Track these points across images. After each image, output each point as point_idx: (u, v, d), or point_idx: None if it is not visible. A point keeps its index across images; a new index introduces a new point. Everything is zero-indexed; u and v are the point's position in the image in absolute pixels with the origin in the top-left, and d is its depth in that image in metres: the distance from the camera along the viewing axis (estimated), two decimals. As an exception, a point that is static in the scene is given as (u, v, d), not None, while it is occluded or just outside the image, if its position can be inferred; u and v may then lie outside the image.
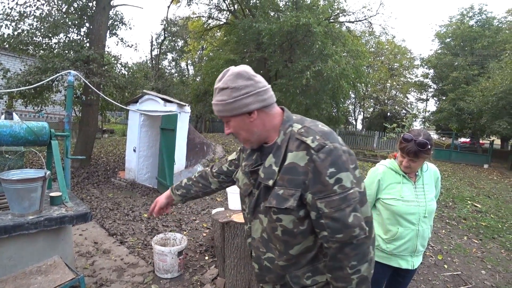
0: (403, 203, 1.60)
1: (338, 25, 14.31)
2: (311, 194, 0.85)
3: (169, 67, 23.91)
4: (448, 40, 20.50)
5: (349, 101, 22.71)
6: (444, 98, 19.58)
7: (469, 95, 15.38)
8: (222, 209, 3.05)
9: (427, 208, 1.62)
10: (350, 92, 15.68)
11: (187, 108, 5.86)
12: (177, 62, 23.85)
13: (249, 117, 0.91)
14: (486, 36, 17.63)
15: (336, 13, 14.15)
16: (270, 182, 0.91)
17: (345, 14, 14.44)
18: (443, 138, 21.21)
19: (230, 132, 0.98)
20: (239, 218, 2.62)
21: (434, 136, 22.88)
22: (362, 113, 27.68)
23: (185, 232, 3.79)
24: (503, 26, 18.41)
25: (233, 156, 1.28)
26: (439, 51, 20.92)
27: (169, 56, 23.42)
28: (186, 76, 23.40)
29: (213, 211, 3.18)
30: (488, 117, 13.57)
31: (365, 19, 15.09)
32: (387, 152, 15.71)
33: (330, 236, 0.85)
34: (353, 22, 15.35)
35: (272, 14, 13.24)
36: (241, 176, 1.08)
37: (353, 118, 26.89)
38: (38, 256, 1.95)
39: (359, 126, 26.96)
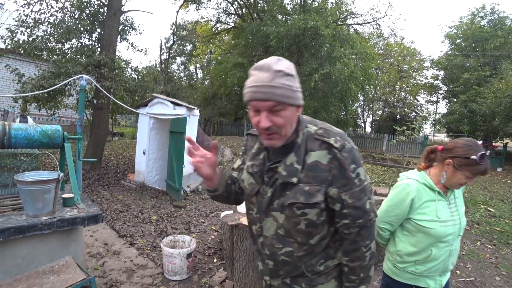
0: (441, 225, 1.41)
1: (346, 28, 14.25)
2: (336, 188, 0.94)
3: (178, 71, 24.19)
4: (458, 41, 20.12)
5: (358, 103, 22.51)
6: (455, 100, 19.17)
7: (481, 97, 15.01)
8: (231, 212, 3.06)
9: (461, 225, 1.47)
10: (359, 95, 15.55)
11: (196, 111, 5.91)
12: (186, 65, 24.12)
13: (297, 110, 0.96)
14: (498, 37, 17.20)
15: (344, 16, 14.11)
16: (294, 180, 0.96)
17: (353, 16, 14.40)
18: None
19: (273, 125, 0.90)
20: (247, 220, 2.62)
21: (445, 139, 22.46)
22: (371, 116, 27.39)
23: (193, 235, 3.81)
24: None
25: (238, 162, 1.25)
26: (449, 52, 20.55)
27: (178, 60, 23.72)
28: (195, 79, 23.62)
29: (222, 214, 3.18)
30: (501, 119, 13.24)
31: (373, 21, 15.00)
32: (396, 155, 15.50)
33: (352, 222, 0.97)
34: (361, 24, 15.27)
35: (279, 17, 13.28)
36: (246, 176, 1.10)
37: (362, 120, 26.63)
38: (51, 256, 1.99)
39: (368, 129, 26.70)
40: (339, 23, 13.70)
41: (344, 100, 13.25)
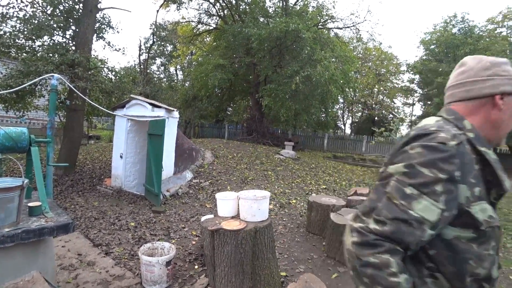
0: None
1: (327, 31, 14.51)
2: None
3: (158, 72, 23.72)
4: (432, 46, 21.16)
5: (338, 106, 22.98)
6: (429, 102, 20.12)
7: None
8: (212, 216, 2.97)
9: None
10: (339, 97, 15.86)
11: (176, 113, 5.76)
12: (166, 67, 23.68)
13: None
14: (468, 44, 18.26)
15: (325, 20, 14.37)
16: None
17: (333, 20, 14.71)
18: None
19: None
20: (228, 225, 2.54)
21: (421, 140, 23.31)
22: (350, 118, 28.04)
23: (173, 241, 3.68)
24: (484, 34, 19.18)
25: (435, 214, 0.70)
26: (424, 57, 21.56)
27: (158, 60, 23.25)
28: (175, 81, 23.23)
29: (202, 218, 3.09)
30: (471, 120, 13.97)
31: (353, 25, 15.39)
32: (375, 156, 15.91)
33: None
34: (341, 28, 15.62)
35: (261, 20, 13.32)
36: (489, 208, 0.79)
37: (342, 122, 27.20)
38: (15, 271, 1.82)
39: (348, 131, 27.27)
40: (320, 26, 13.93)
41: (324, 102, 13.47)
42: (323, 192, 6.50)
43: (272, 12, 13.73)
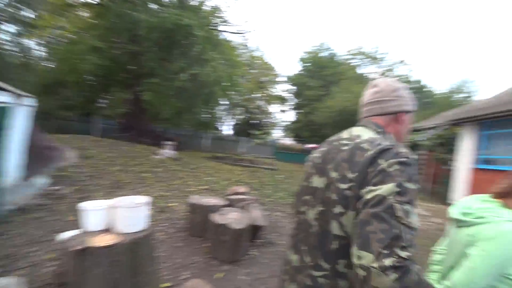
0: None
1: (218, 33, 14.76)
2: None
3: (10, 44, 18.36)
4: (307, 64, 25.68)
5: (221, 107, 23.74)
6: (301, 111, 24.16)
7: (318, 110, 19.48)
8: (77, 231, 2.49)
9: None
10: (223, 99, 16.37)
11: (30, 101, 4.60)
12: (21, 37, 18.58)
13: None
14: (331, 67, 23.37)
15: (218, 21, 14.56)
16: None
17: (226, 24, 15.07)
18: (298, 144, 25.51)
19: None
20: (99, 241, 2.19)
21: (292, 142, 27.08)
22: (232, 120, 29.38)
23: (22, 271, 2.86)
24: (343, 61, 24.82)
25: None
26: (301, 72, 25.84)
27: (10, 28, 17.99)
28: (34, 58, 18.60)
29: (63, 235, 2.58)
30: (329, 128, 17.52)
31: (243, 32, 16.21)
32: (253, 156, 17.34)
33: None
34: (232, 33, 16.20)
35: (154, 7, 12.29)
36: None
37: (224, 124, 28.20)
38: None
39: (229, 132, 28.46)
40: (213, 28, 14.03)
41: (208, 103, 13.60)
42: (204, 192, 6.54)
43: (167, 2, 12.84)
